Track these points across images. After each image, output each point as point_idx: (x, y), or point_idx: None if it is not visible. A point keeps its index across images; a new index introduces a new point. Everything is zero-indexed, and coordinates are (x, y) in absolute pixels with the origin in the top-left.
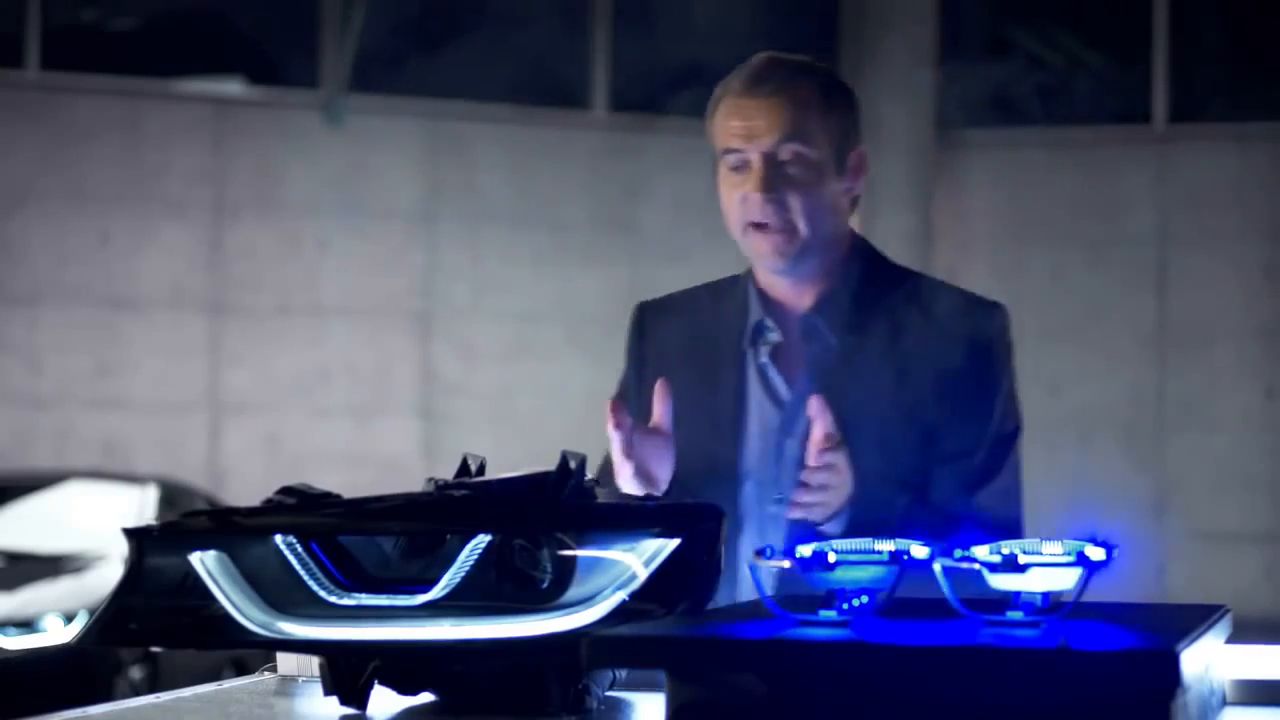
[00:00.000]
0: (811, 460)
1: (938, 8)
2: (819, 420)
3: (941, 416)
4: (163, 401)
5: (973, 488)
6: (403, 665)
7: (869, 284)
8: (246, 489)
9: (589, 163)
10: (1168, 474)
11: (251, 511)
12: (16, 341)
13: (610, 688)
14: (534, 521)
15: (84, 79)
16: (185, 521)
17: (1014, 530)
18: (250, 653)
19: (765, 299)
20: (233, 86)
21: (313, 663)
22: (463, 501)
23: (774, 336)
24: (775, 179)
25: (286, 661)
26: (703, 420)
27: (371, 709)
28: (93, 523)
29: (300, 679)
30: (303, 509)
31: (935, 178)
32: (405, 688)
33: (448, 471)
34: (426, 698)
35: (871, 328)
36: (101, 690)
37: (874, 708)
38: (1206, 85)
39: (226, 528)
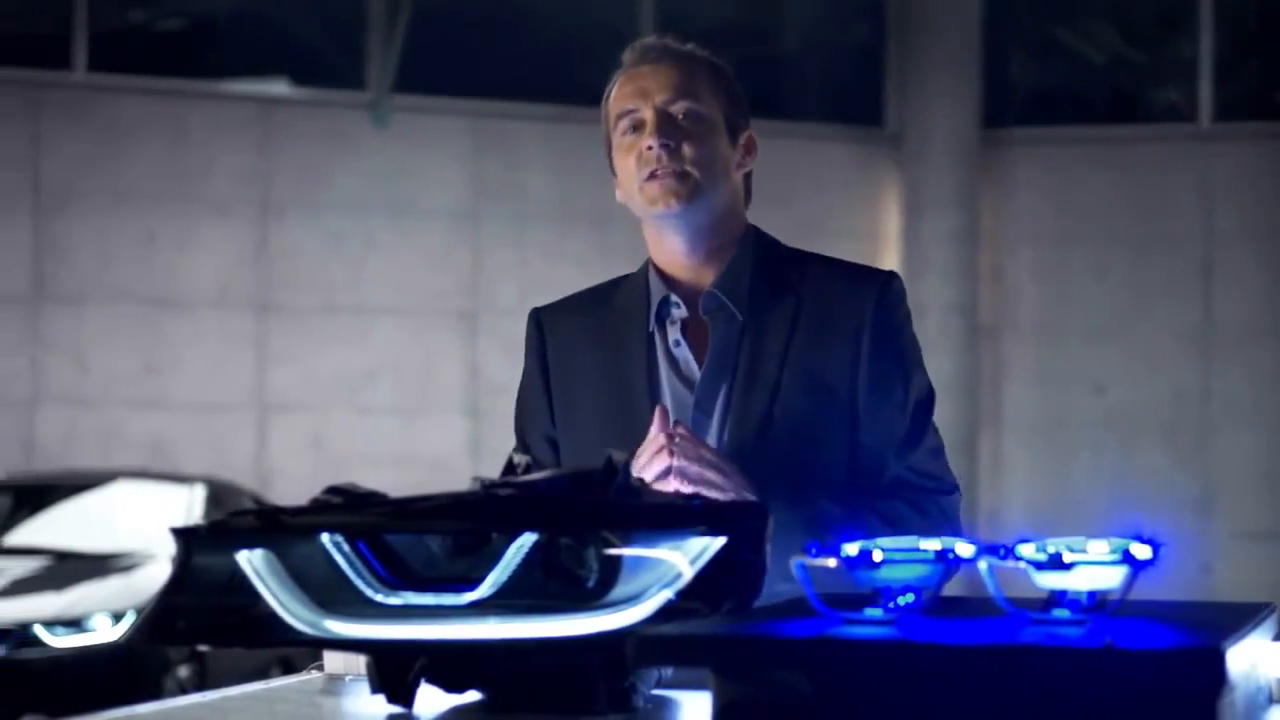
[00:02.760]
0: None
1: (983, 7)
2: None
3: (860, 385)
4: (209, 401)
5: (904, 451)
6: (449, 664)
7: (767, 263)
8: (293, 488)
9: None
10: (1212, 473)
11: (298, 511)
12: (63, 341)
13: (656, 686)
14: (580, 520)
15: (130, 80)
16: (232, 521)
17: (952, 488)
18: (297, 651)
19: (665, 278)
20: (278, 87)
21: (360, 661)
22: (508, 500)
23: (680, 313)
24: (668, 127)
25: (333, 660)
26: (615, 405)
27: (418, 708)
28: (140, 522)
29: (347, 678)
30: (349, 508)
31: (980, 177)
32: (452, 686)
33: (493, 470)
34: (473, 696)
35: (775, 302)
36: (149, 689)
37: (920, 706)
38: (1251, 83)
39: (273, 527)
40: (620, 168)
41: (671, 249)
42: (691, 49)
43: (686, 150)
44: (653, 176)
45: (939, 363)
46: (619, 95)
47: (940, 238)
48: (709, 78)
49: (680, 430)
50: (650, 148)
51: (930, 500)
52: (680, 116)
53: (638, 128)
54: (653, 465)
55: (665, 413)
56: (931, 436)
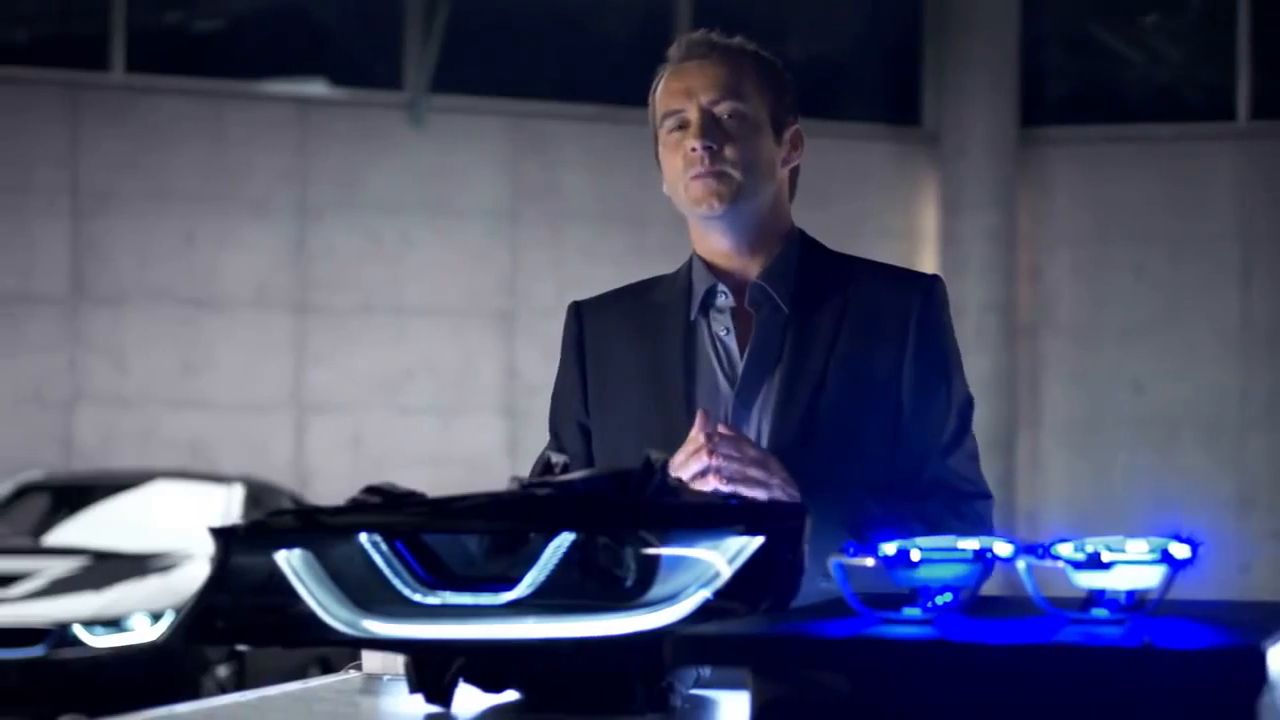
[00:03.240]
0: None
1: (1020, 6)
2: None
3: (904, 385)
4: (247, 401)
5: (945, 453)
6: (487, 663)
7: (813, 262)
8: (331, 488)
9: None
10: (1250, 471)
11: (336, 510)
12: (102, 341)
13: (694, 686)
14: (618, 520)
15: (168, 80)
16: (271, 520)
17: (988, 495)
18: (336, 651)
19: (711, 269)
20: (316, 87)
21: (398, 661)
22: (546, 500)
23: (726, 302)
24: (712, 128)
25: (372, 660)
26: (650, 394)
27: (456, 707)
28: (179, 522)
29: (385, 677)
30: (387, 508)
31: (1018, 176)
32: (490, 686)
33: (529, 469)
34: (511, 696)
35: (821, 299)
36: (188, 689)
37: (958, 705)
38: None
39: (312, 527)
40: (666, 164)
41: (715, 245)
42: (740, 43)
43: (729, 152)
44: (696, 177)
45: (977, 362)
46: (665, 93)
47: (978, 237)
48: (756, 74)
49: (721, 429)
50: (694, 149)
51: (967, 504)
52: (725, 117)
53: (683, 127)
54: (690, 465)
55: (706, 415)
56: (970, 442)
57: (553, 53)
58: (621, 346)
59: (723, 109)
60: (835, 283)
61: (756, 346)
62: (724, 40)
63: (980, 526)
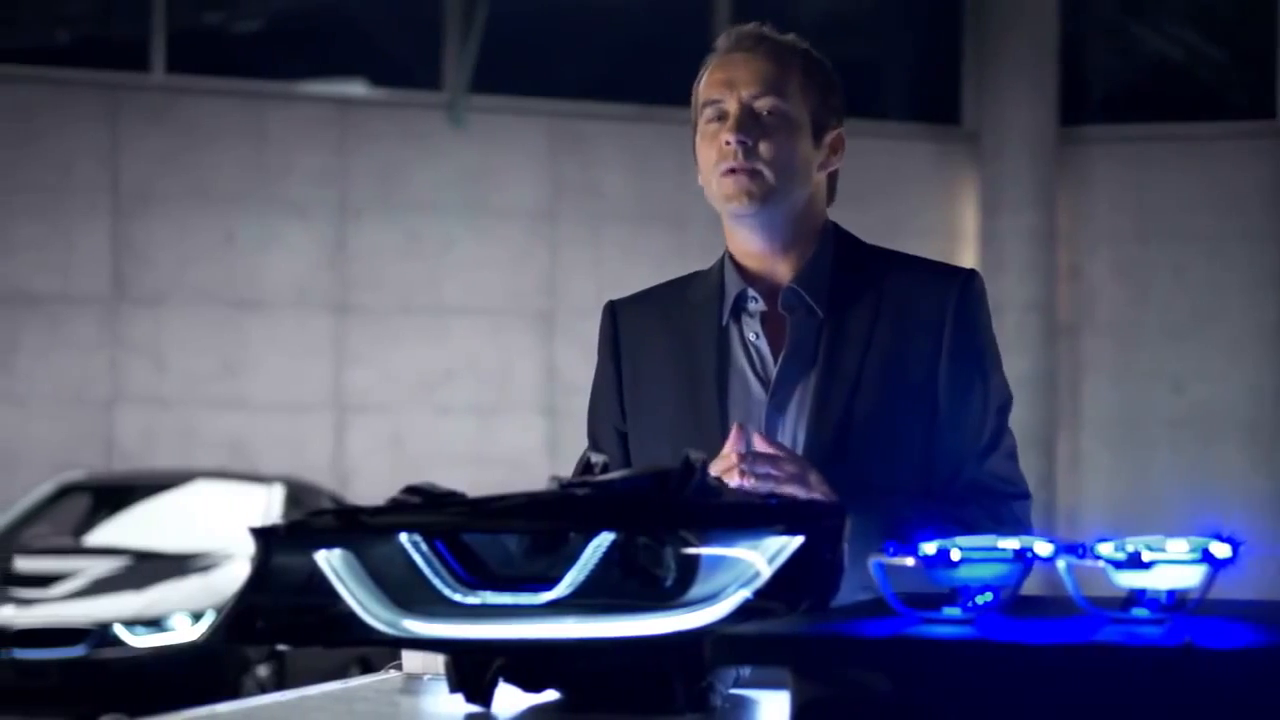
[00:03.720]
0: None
1: (1060, 5)
2: (756, 441)
3: (941, 384)
4: (287, 401)
5: (984, 454)
6: (527, 663)
7: (847, 259)
8: (371, 488)
9: None
10: None
11: (376, 510)
12: (142, 342)
13: (734, 686)
14: (657, 519)
15: (208, 81)
16: (311, 520)
17: (1026, 494)
18: (376, 651)
19: (743, 272)
20: (356, 88)
21: (438, 660)
22: (586, 500)
23: (757, 306)
24: (749, 124)
25: (412, 660)
26: (684, 398)
27: (496, 707)
28: (219, 522)
29: (425, 677)
30: (427, 508)
31: (1058, 175)
32: (530, 686)
33: (570, 470)
34: (551, 696)
35: (856, 299)
36: (229, 688)
37: (999, 705)
38: None
39: (352, 526)
40: (701, 155)
41: (746, 243)
42: (791, 40)
43: (764, 149)
44: (729, 172)
45: (1017, 361)
46: (708, 82)
47: (1018, 236)
48: (802, 73)
49: (758, 443)
50: (728, 143)
51: (1005, 506)
52: (764, 113)
53: (721, 118)
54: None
55: (742, 428)
56: (1008, 440)
57: (592, 52)
58: (655, 349)
59: (763, 104)
60: (870, 281)
61: (791, 351)
62: (774, 35)
63: (1019, 528)
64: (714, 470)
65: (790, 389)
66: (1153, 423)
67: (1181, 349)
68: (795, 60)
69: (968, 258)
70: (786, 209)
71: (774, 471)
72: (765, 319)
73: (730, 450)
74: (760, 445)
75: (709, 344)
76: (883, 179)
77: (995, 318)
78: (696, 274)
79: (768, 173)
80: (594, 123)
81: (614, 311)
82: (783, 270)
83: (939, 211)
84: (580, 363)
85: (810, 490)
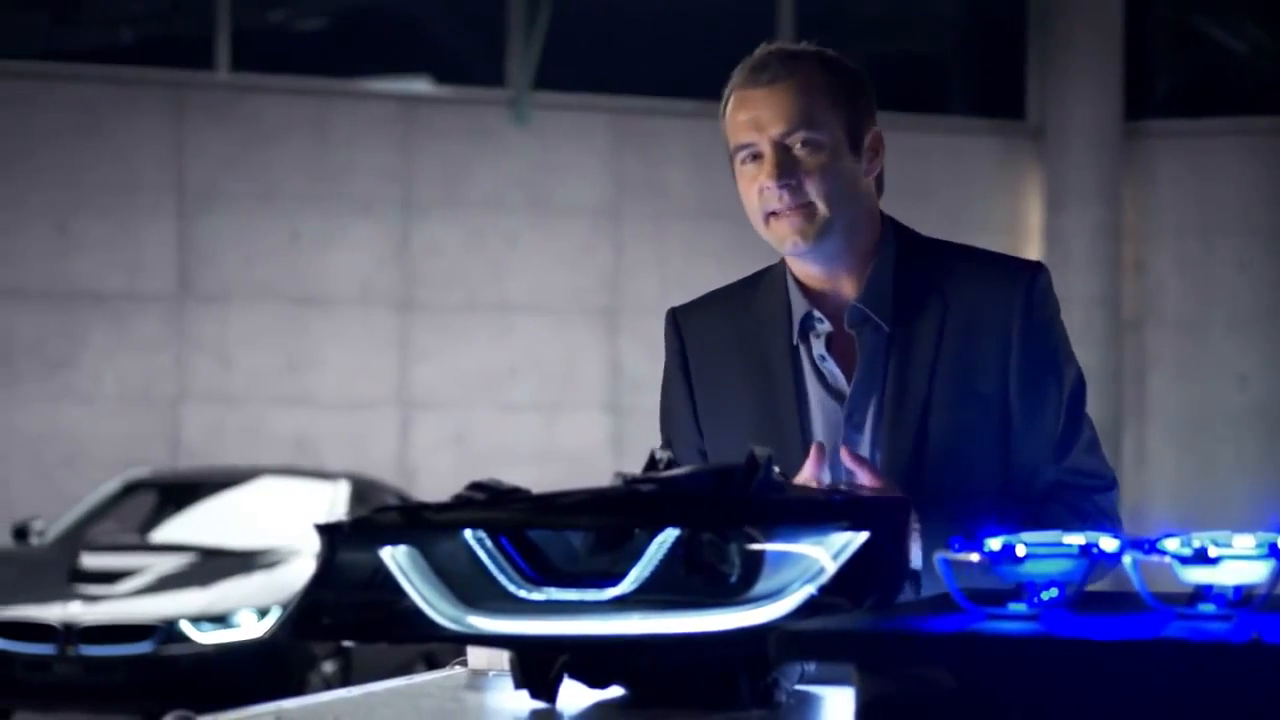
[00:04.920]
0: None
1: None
2: (860, 470)
3: (1012, 386)
4: (352, 398)
5: (1062, 452)
6: (592, 659)
7: (908, 263)
8: (435, 485)
9: None
10: None
11: (441, 507)
12: (207, 339)
13: (799, 681)
14: (722, 515)
15: (273, 80)
16: (376, 517)
17: (1111, 483)
18: (441, 647)
19: (805, 290)
20: (420, 85)
21: (503, 657)
22: (650, 496)
23: (824, 328)
24: (788, 165)
25: (477, 656)
26: (763, 418)
27: (561, 703)
28: (284, 519)
29: (491, 673)
30: (492, 504)
31: (1122, 170)
32: (594, 682)
33: (635, 466)
34: (616, 692)
35: (921, 308)
36: (295, 684)
37: (1064, 702)
38: None
39: (417, 523)
40: (744, 194)
41: (807, 271)
42: (805, 52)
43: (809, 186)
44: (776, 215)
45: (1082, 356)
46: (735, 124)
47: (1082, 231)
48: (826, 91)
49: (846, 459)
50: (770, 189)
51: (1088, 501)
52: (798, 147)
53: (756, 158)
54: None
55: (821, 450)
56: (1086, 431)
57: (655, 48)
58: (728, 369)
59: (795, 139)
60: (934, 284)
61: (862, 369)
62: (788, 56)
63: (1103, 520)
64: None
65: (865, 408)
66: (1218, 417)
67: (1246, 343)
68: (816, 77)
69: (1032, 253)
70: (842, 233)
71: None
72: (833, 338)
73: (810, 475)
74: (850, 462)
75: (782, 365)
76: (947, 174)
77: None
78: (759, 277)
79: (819, 205)
80: (657, 119)
81: (677, 322)
82: (847, 285)
83: (1003, 206)
84: (644, 359)
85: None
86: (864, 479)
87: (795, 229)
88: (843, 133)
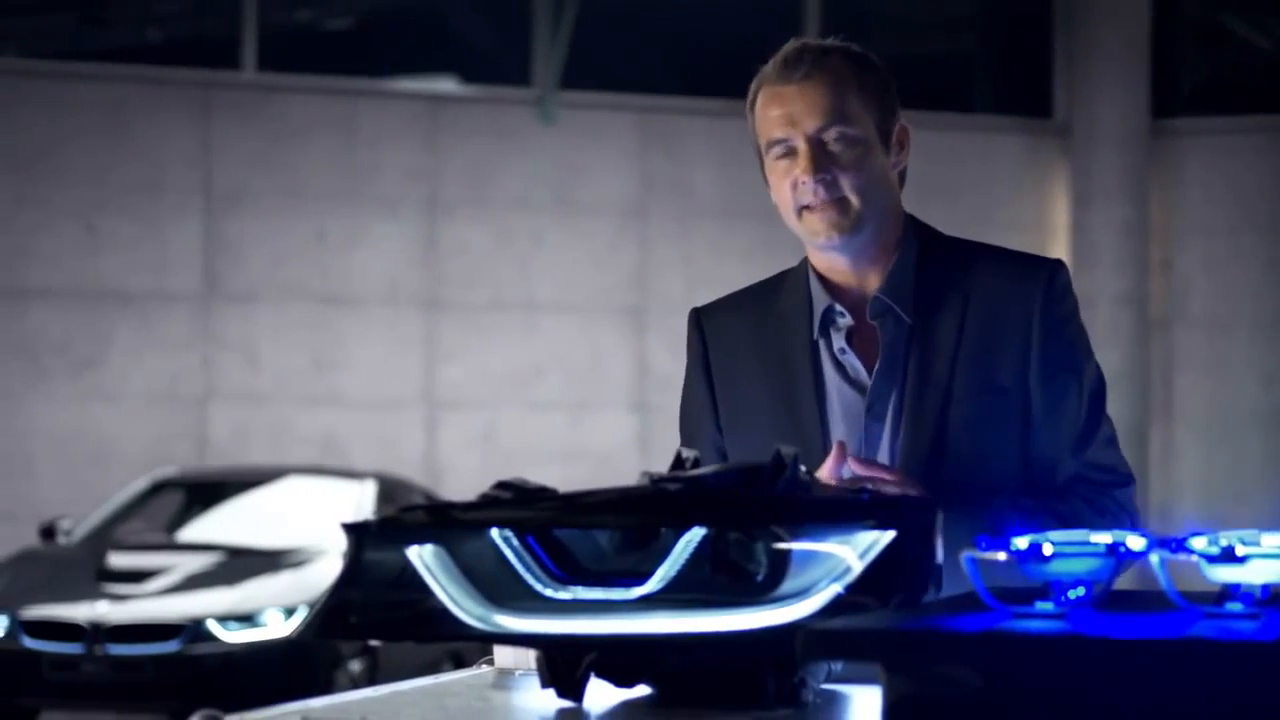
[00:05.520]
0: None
1: None
2: (873, 474)
3: (1032, 379)
4: (379, 397)
5: (1081, 447)
6: (619, 658)
7: (930, 259)
8: (462, 484)
9: None
10: None
11: (468, 506)
12: (234, 338)
13: (826, 680)
14: (748, 514)
15: (299, 79)
16: (403, 516)
17: (1128, 478)
18: (468, 646)
19: (827, 285)
20: (446, 85)
21: (530, 656)
22: (677, 495)
23: (845, 321)
24: (823, 160)
25: (504, 655)
26: (783, 412)
27: (588, 702)
28: (311, 518)
29: (517, 672)
30: (518, 503)
31: (1149, 168)
32: (621, 681)
33: (661, 465)
34: (642, 690)
35: (942, 302)
36: (321, 683)
37: (1092, 701)
38: None
39: (443, 522)
40: (775, 189)
41: (833, 265)
42: (835, 47)
43: (844, 180)
44: (811, 209)
45: (1109, 355)
46: (767, 119)
47: (1109, 229)
48: (858, 86)
49: (855, 467)
50: (805, 183)
51: (1108, 496)
52: (833, 142)
53: (790, 154)
54: None
55: (842, 448)
56: (1105, 427)
57: (682, 48)
58: (748, 365)
59: (831, 134)
60: (954, 280)
61: (884, 361)
62: (819, 52)
63: (1122, 516)
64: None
65: (885, 399)
66: (1245, 416)
67: (1273, 342)
68: (848, 73)
69: (1059, 251)
70: (873, 227)
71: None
72: (854, 331)
73: (829, 475)
74: (858, 469)
75: (802, 361)
76: (974, 172)
77: (1086, 311)
78: (781, 278)
79: (853, 199)
80: (683, 118)
81: (700, 322)
82: (870, 279)
83: (1030, 204)
84: (670, 359)
85: None
86: (882, 482)
87: (830, 223)
88: (874, 127)
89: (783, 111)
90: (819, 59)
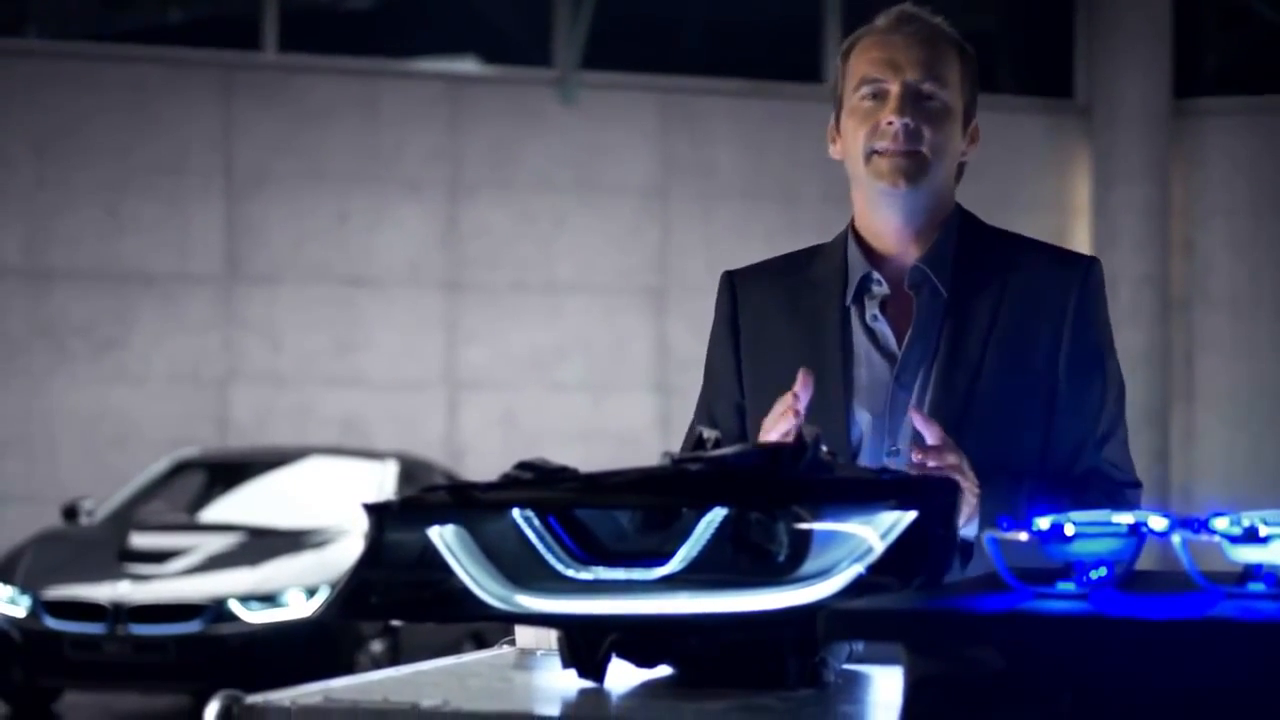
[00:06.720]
0: (929, 464)
1: None
2: (928, 429)
3: (1061, 368)
4: (401, 378)
5: (1102, 441)
6: (640, 639)
7: (972, 243)
8: (484, 464)
9: (822, 136)
10: None
11: (489, 486)
12: (257, 320)
13: (847, 661)
14: (770, 494)
15: (321, 60)
16: (424, 497)
17: (1138, 483)
18: (489, 626)
19: (868, 252)
20: (468, 65)
21: (551, 636)
22: (698, 475)
23: (881, 290)
24: (913, 107)
25: (525, 635)
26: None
27: (609, 682)
28: (333, 498)
29: (539, 652)
30: (540, 483)
31: (1171, 148)
32: (642, 661)
33: (682, 445)
34: (664, 671)
35: (980, 283)
36: (343, 663)
37: (1113, 681)
38: None
39: (465, 502)
40: (848, 130)
41: (883, 222)
42: (949, 27)
43: (926, 133)
44: (887, 153)
45: (1130, 336)
46: (867, 60)
47: (1131, 209)
48: (958, 64)
49: (930, 438)
50: (891, 123)
51: (1121, 494)
52: (927, 97)
53: (879, 97)
54: (780, 425)
55: (809, 375)
56: (1123, 429)
57: (703, 28)
58: (778, 327)
59: (927, 89)
60: (993, 265)
61: (916, 331)
62: (935, 20)
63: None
64: (772, 413)
65: (914, 370)
66: (1267, 397)
67: None
68: (954, 49)
69: (1080, 231)
70: (931, 191)
71: (939, 464)
72: (888, 301)
73: (790, 393)
74: (920, 424)
75: (833, 327)
76: (995, 152)
77: (1108, 291)
78: (817, 249)
79: (928, 154)
80: (705, 99)
81: (732, 284)
82: (911, 251)
83: (1051, 185)
84: (692, 340)
85: (965, 481)
86: (930, 439)
87: (899, 169)
88: (961, 105)
89: (886, 55)
90: (931, 26)
